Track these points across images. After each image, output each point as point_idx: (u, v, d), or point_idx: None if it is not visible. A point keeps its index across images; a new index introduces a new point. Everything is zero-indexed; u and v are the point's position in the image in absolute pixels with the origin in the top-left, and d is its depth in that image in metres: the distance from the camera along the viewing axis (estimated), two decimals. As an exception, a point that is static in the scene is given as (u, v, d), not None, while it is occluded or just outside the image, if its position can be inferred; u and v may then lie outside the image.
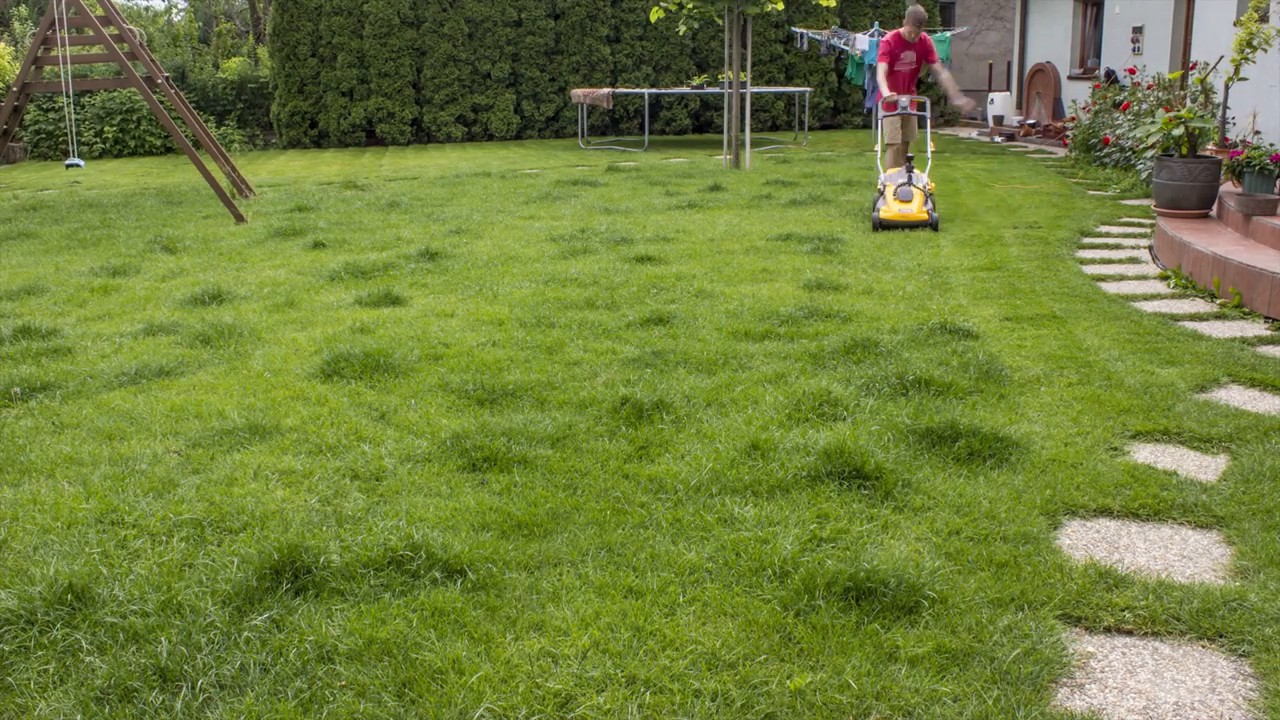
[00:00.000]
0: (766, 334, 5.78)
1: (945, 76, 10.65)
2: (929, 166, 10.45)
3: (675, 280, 7.12)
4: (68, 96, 11.79)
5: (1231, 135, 10.11)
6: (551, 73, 20.76)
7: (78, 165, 11.55)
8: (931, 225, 8.97)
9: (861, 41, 18.37)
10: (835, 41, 18.76)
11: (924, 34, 10.52)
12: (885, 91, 10.28)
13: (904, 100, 10.18)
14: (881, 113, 10.50)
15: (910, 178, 9.22)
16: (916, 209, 9.01)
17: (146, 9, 29.73)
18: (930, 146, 11.68)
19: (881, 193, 9.33)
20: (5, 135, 11.98)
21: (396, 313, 6.44)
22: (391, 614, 2.92)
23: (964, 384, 4.85)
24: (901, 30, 10.49)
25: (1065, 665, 2.68)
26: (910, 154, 9.68)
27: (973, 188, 11.93)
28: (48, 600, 2.96)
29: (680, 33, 15.19)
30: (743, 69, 15.73)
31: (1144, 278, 7.26)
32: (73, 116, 19.27)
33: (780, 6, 13.95)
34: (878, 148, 10.56)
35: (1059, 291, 6.70)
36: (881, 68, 10.42)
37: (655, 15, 14.51)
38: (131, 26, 12.59)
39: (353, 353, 5.28)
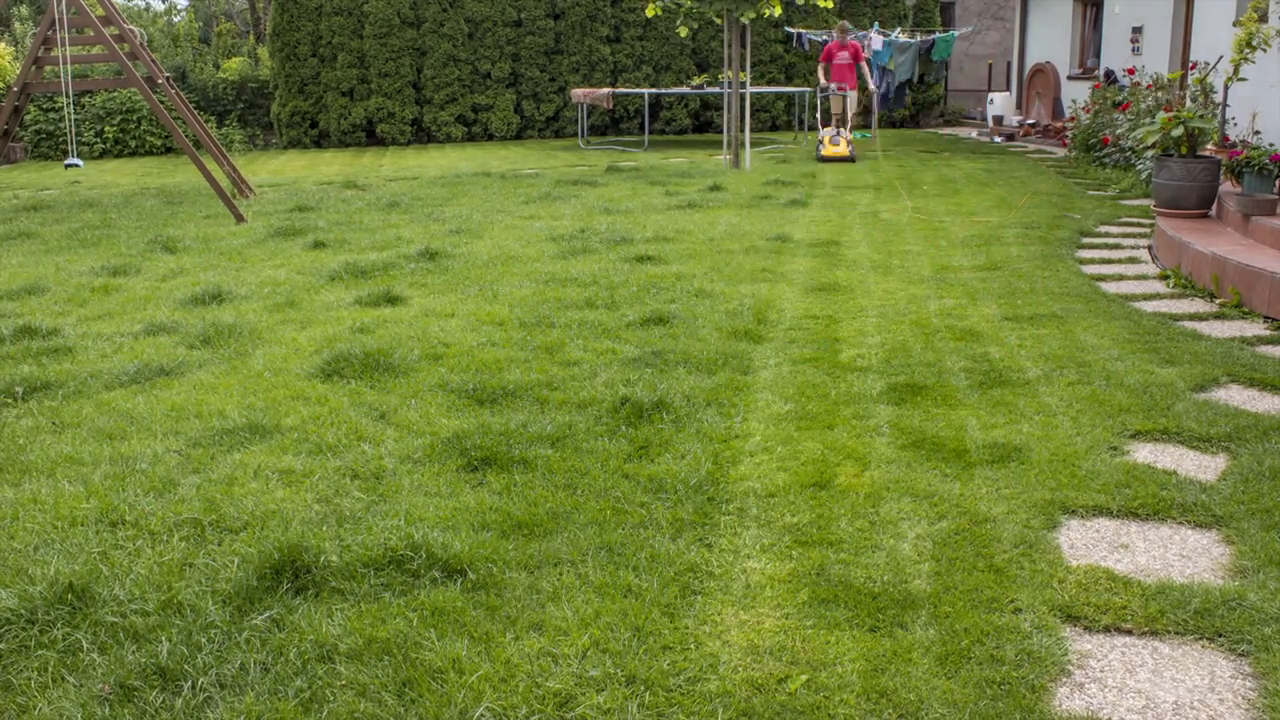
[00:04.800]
0: (766, 335, 5.78)
1: (865, 71, 16.21)
2: (849, 126, 15.92)
3: (675, 280, 7.12)
4: (68, 96, 11.79)
5: (1231, 135, 10.10)
6: (551, 73, 20.75)
7: (77, 165, 11.55)
8: (850, 159, 14.96)
9: (875, 42, 18.36)
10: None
11: (853, 40, 16.35)
12: (823, 80, 16.01)
13: (832, 86, 15.89)
14: (823, 91, 16.11)
15: (838, 132, 15.36)
16: (843, 149, 15.10)
17: (146, 9, 29.72)
18: (852, 110, 16.05)
19: (822, 142, 15.33)
20: (6, 135, 11.98)
21: (396, 312, 6.44)
22: (391, 613, 2.92)
23: (963, 384, 4.86)
24: (836, 38, 16.08)
25: (1064, 665, 2.68)
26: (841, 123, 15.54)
27: (973, 187, 11.93)
28: (48, 600, 2.96)
29: (681, 34, 15.23)
30: (742, 69, 15.74)
31: (1143, 277, 7.26)
32: (72, 116, 19.27)
33: (778, 11, 13.94)
34: (818, 116, 16.89)
35: (1059, 291, 6.71)
36: (823, 66, 15.94)
37: (651, 11, 14.50)
38: (132, 26, 12.59)
39: (353, 352, 5.28)
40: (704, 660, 2.70)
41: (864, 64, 16.02)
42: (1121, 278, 7.24)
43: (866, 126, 19.81)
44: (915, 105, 21.54)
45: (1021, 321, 5.97)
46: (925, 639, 2.78)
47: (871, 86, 16.71)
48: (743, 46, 16.57)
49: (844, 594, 3.00)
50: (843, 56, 15.88)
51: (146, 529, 3.47)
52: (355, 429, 4.38)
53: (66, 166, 11.61)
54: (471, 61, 20.42)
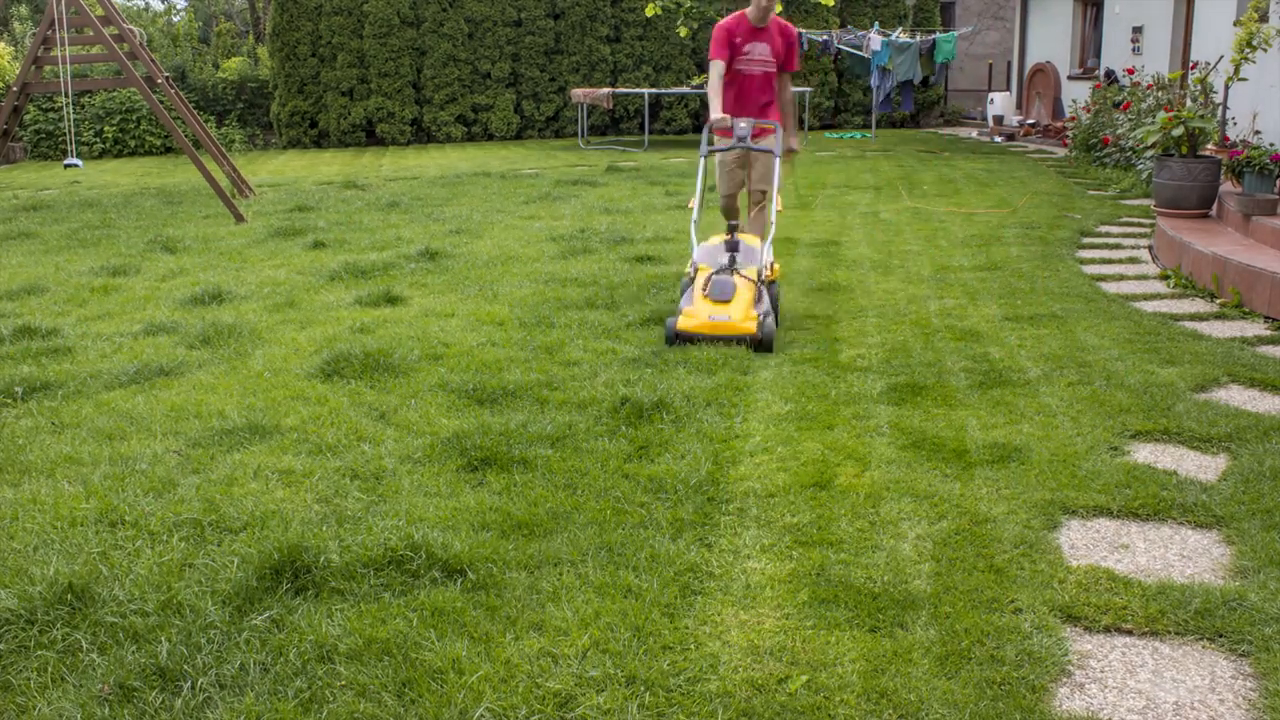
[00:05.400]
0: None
1: (788, 90, 6.76)
2: (772, 231, 6.24)
3: (676, 280, 7.11)
4: (67, 96, 11.79)
5: (1231, 135, 10.10)
6: (551, 72, 20.76)
7: (76, 165, 11.55)
8: (758, 342, 5.46)
9: (875, 42, 18.35)
10: (839, 44, 18.75)
11: (784, 22, 6.71)
12: (714, 112, 6.38)
13: (742, 125, 6.29)
14: (710, 143, 6.48)
15: (734, 259, 5.85)
16: (739, 314, 5.52)
17: (146, 9, 29.72)
18: (777, 200, 6.41)
19: (690, 280, 5.90)
20: (5, 135, 11.98)
21: (396, 312, 6.44)
22: (391, 614, 2.92)
23: (963, 384, 4.85)
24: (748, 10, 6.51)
25: (1065, 665, 2.68)
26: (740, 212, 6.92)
27: (973, 187, 11.93)
28: (48, 600, 2.95)
29: (682, 34, 15.21)
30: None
31: (1144, 277, 7.26)
32: (72, 116, 19.26)
33: (779, 9, 13.95)
34: (693, 201, 6.48)
35: (1059, 291, 6.70)
36: (714, 70, 6.49)
37: (651, 11, 14.50)
38: (131, 26, 12.59)
39: (353, 352, 5.28)
40: (704, 660, 2.70)
41: (792, 63, 6.69)
42: (1122, 278, 7.23)
43: (867, 127, 19.83)
44: (917, 105, 21.54)
45: (1022, 321, 5.97)
46: (925, 639, 2.78)
47: (794, 142, 6.81)
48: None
49: (844, 594, 3.00)
50: (757, 52, 6.53)
51: (146, 529, 3.47)
52: (355, 429, 4.38)
53: (66, 166, 11.61)
54: (471, 61, 20.42)
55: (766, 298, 5.78)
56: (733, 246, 5.89)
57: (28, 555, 3.30)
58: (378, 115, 20.31)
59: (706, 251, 6.01)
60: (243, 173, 13.53)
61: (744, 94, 6.57)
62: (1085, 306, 6.30)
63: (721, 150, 6.51)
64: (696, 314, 5.56)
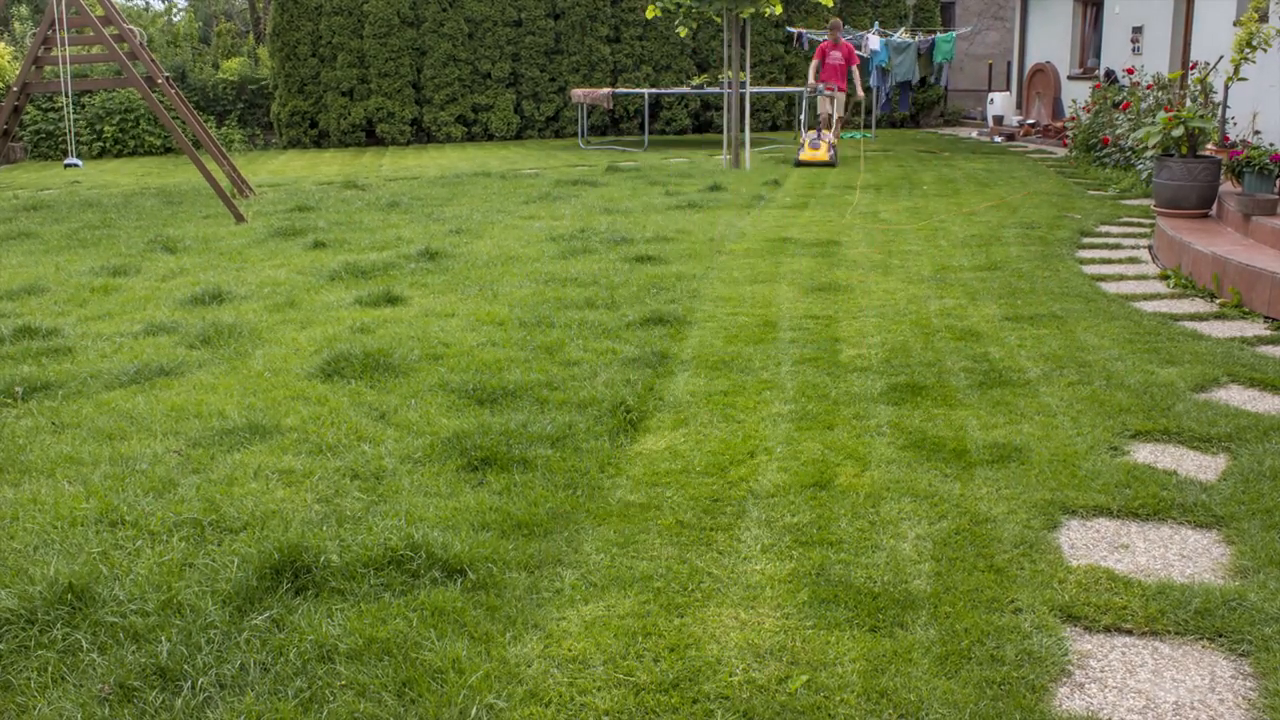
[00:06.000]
0: (767, 335, 5.78)
1: (856, 75, 15.82)
2: (835, 129, 15.43)
3: (675, 280, 7.12)
4: (67, 96, 11.80)
5: (1231, 135, 10.10)
6: (551, 73, 20.75)
7: (76, 165, 11.55)
8: (831, 164, 14.22)
9: (873, 42, 18.33)
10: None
11: (846, 41, 15.85)
12: (812, 80, 15.61)
13: (821, 86, 15.49)
14: (812, 91, 15.67)
15: (820, 135, 14.67)
16: (822, 153, 14.34)
17: (146, 9, 29.72)
18: (839, 113, 15.72)
19: (802, 145, 14.64)
20: (5, 135, 11.98)
21: (396, 312, 6.44)
22: (391, 613, 2.92)
23: (963, 384, 4.85)
24: (828, 38, 15.69)
25: (1065, 665, 2.68)
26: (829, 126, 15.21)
27: (973, 187, 11.93)
28: (48, 600, 2.96)
29: (681, 34, 15.23)
30: (742, 69, 15.73)
31: (1144, 277, 7.26)
32: (72, 116, 19.27)
33: (779, 10, 13.95)
34: (802, 119, 16.28)
35: (1059, 291, 6.71)
36: (815, 65, 15.59)
37: (651, 13, 14.49)
38: (131, 26, 12.59)
39: (353, 352, 5.28)
40: (704, 660, 2.70)
41: (855, 69, 15.64)
42: (1122, 278, 7.24)
43: (868, 127, 19.82)
44: (915, 105, 21.53)
45: (1022, 321, 5.97)
46: (925, 639, 2.78)
47: (860, 94, 16.25)
48: (743, 46, 16.57)
49: (844, 594, 3.00)
50: (835, 57, 15.52)
51: (146, 529, 3.47)
52: (355, 429, 4.38)
53: (66, 166, 11.61)
54: (471, 61, 20.42)
55: (834, 151, 14.50)
56: (819, 132, 14.86)
57: (28, 555, 3.30)
58: (378, 115, 20.31)
59: (809, 135, 14.74)
60: (243, 173, 13.54)
61: (830, 74, 15.58)
62: (1085, 306, 6.30)
63: (821, 93, 15.45)
64: (807, 153, 14.36)
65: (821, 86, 15.34)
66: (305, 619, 2.89)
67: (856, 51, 18.84)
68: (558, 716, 2.50)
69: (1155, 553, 3.28)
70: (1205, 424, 4.29)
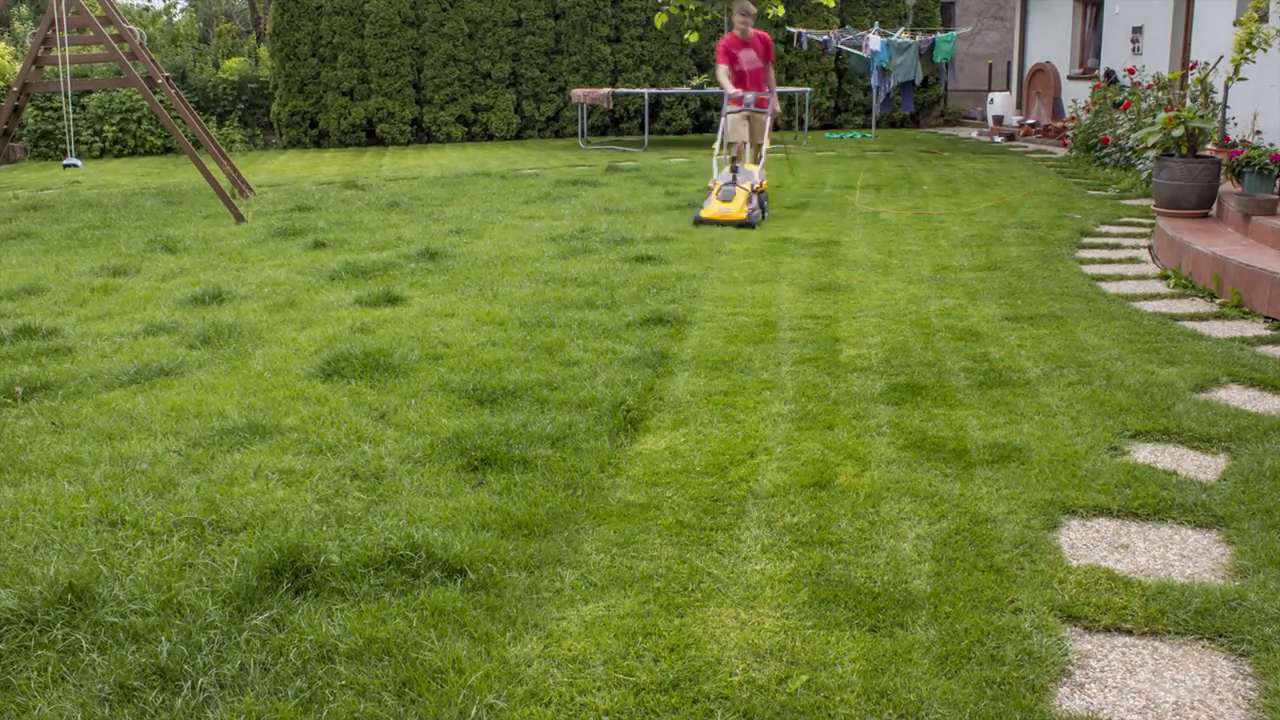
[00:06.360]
0: (767, 335, 5.78)
1: (772, 76, 10.50)
2: (761, 166, 9.90)
3: (675, 280, 7.12)
4: (67, 96, 11.79)
5: (1231, 135, 10.10)
6: (551, 73, 20.75)
7: (75, 165, 11.55)
8: (748, 223, 9.20)
9: (873, 42, 18.32)
10: (839, 44, 18.73)
11: (759, 31, 10.35)
12: (729, 88, 10.05)
13: (749, 96, 10.06)
14: (727, 108, 10.12)
15: (735, 177, 9.57)
16: (736, 207, 9.32)
17: (147, 9, 29.73)
18: (766, 143, 10.24)
19: (711, 191, 9.71)
20: (5, 135, 11.98)
21: (396, 312, 6.44)
22: (391, 614, 2.92)
23: (963, 384, 4.85)
24: (736, 30, 10.23)
25: (1065, 665, 2.68)
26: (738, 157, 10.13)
27: (973, 187, 11.93)
28: (48, 600, 2.96)
29: (692, 39, 15.14)
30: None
31: (1144, 277, 7.26)
32: (71, 116, 19.27)
33: (781, 11, 13.94)
34: (716, 145, 10.34)
35: (1059, 291, 6.71)
36: (723, 69, 10.15)
37: (660, 20, 14.48)
38: (131, 26, 12.59)
39: (353, 352, 5.28)
40: (704, 660, 2.70)
41: (771, 65, 10.48)
42: (1122, 278, 7.23)
43: (867, 127, 19.82)
44: (915, 105, 21.54)
45: (1021, 321, 5.97)
46: (925, 639, 2.78)
47: (777, 107, 10.86)
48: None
49: (844, 594, 3.00)
50: (748, 58, 10.26)
51: (146, 529, 3.47)
52: (355, 429, 4.38)
53: (65, 166, 11.61)
54: (471, 61, 20.42)
55: (756, 200, 9.46)
56: (734, 170, 9.67)
57: (28, 555, 3.30)
58: (378, 115, 20.31)
59: (721, 174, 9.77)
60: (243, 173, 13.54)
61: (744, 82, 10.25)
62: (1085, 306, 6.30)
63: (737, 112, 10.06)
64: (711, 208, 9.41)
65: (748, 98, 10.13)
66: (305, 619, 2.89)
67: (856, 51, 18.77)
68: (558, 716, 2.50)
69: (1155, 553, 3.28)
70: (1205, 424, 4.29)
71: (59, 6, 11.12)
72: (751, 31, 10.14)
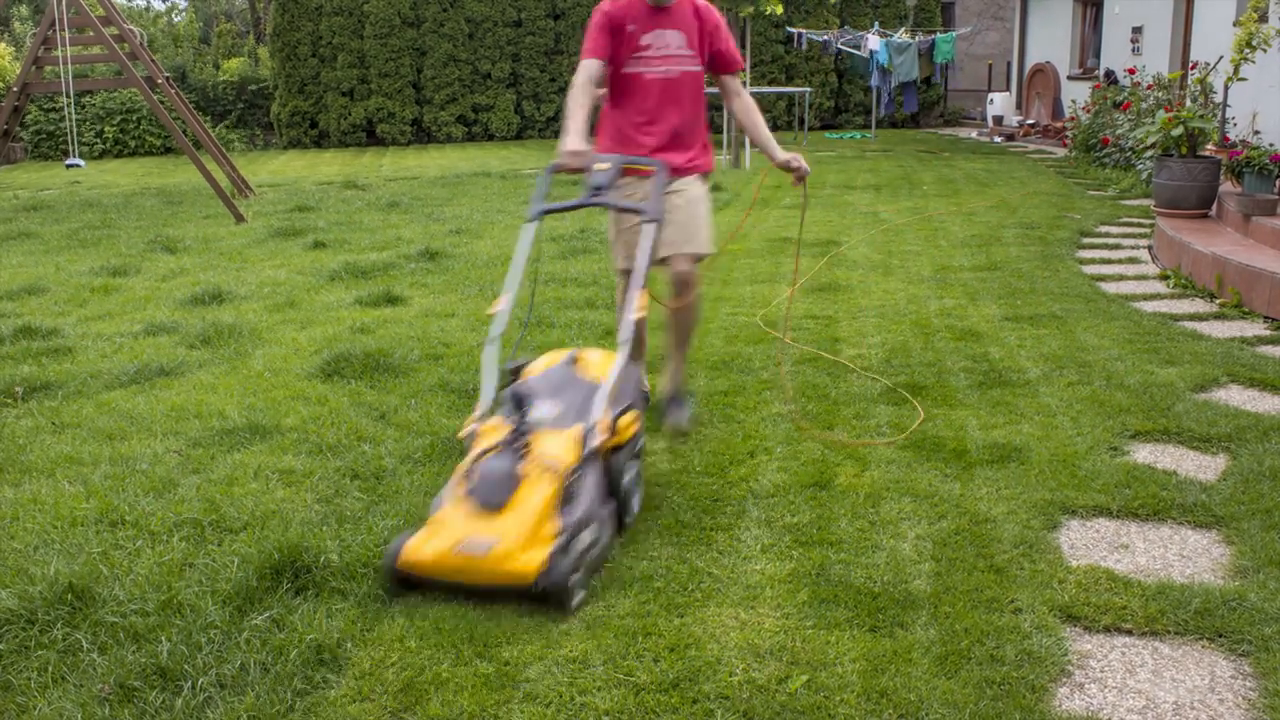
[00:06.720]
0: (767, 336, 5.78)
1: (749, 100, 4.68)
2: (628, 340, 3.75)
3: (675, 280, 7.11)
4: (68, 96, 11.80)
5: (1231, 135, 10.10)
6: (551, 73, 20.76)
7: (78, 165, 11.55)
8: (539, 595, 2.89)
9: (873, 41, 18.31)
10: (839, 44, 18.71)
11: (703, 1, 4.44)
12: (568, 142, 3.98)
13: (613, 160, 4.02)
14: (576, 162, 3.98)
15: (521, 423, 3.16)
16: (511, 539, 2.92)
17: (147, 9, 29.73)
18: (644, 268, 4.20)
19: (435, 506, 3.25)
20: (6, 135, 11.99)
21: (396, 312, 6.44)
22: (391, 613, 2.92)
23: (963, 384, 4.85)
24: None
25: (1064, 665, 2.68)
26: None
27: (973, 187, 11.93)
28: (48, 600, 2.96)
29: None
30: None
31: (1144, 278, 7.26)
32: (73, 116, 19.27)
33: (779, 10, 13.95)
34: (500, 303, 3.70)
35: (1059, 291, 6.71)
36: (583, 81, 4.34)
37: None
38: (132, 26, 12.60)
39: (353, 353, 5.28)
40: (704, 660, 2.70)
41: (732, 56, 4.35)
42: (1122, 278, 7.24)
43: (867, 127, 19.81)
44: (918, 104, 21.53)
45: (1021, 321, 5.97)
46: (925, 639, 2.78)
47: (784, 156, 4.26)
48: (742, 46, 16.57)
49: (844, 594, 3.00)
50: (660, 45, 4.27)
51: (147, 529, 3.47)
52: (355, 429, 4.38)
53: (68, 166, 11.61)
54: (471, 61, 20.42)
55: (587, 495, 3.09)
56: (517, 399, 3.16)
57: (28, 555, 3.30)
58: (378, 115, 20.32)
59: (473, 421, 3.34)
60: (243, 173, 13.54)
61: (644, 111, 4.30)
62: (1085, 306, 6.30)
63: (562, 209, 3.86)
64: (437, 537, 2.98)
65: (593, 175, 3.82)
66: (305, 619, 2.89)
67: (856, 51, 18.70)
68: (557, 716, 2.50)
69: (1155, 553, 3.28)
70: (1205, 424, 4.29)
71: (59, 6, 11.13)
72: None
